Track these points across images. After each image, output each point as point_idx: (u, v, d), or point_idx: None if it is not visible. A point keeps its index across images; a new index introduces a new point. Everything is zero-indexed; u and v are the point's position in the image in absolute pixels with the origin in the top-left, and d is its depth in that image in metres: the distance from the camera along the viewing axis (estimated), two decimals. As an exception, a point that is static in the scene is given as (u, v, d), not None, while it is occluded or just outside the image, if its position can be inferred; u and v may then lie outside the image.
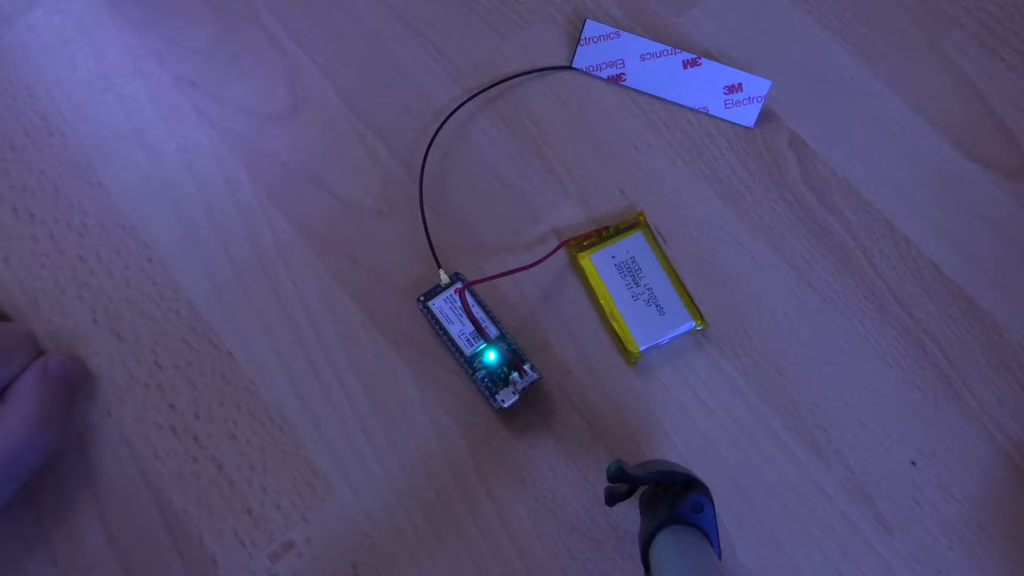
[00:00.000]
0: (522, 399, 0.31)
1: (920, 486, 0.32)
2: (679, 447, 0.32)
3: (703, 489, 0.27)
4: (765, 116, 0.37)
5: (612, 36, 0.38)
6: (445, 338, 0.32)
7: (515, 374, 0.31)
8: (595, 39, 0.38)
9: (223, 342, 0.33)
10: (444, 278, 0.33)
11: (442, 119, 0.36)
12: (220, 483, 0.31)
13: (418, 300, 0.33)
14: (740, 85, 0.37)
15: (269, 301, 0.33)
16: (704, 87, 0.37)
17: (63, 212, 0.34)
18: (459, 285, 0.32)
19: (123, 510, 0.30)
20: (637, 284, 0.33)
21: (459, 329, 0.32)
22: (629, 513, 0.31)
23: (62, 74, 0.37)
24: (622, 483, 0.26)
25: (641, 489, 0.28)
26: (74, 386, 0.31)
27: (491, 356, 0.31)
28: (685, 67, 0.37)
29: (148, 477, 0.31)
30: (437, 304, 0.32)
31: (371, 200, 0.35)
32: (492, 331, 0.32)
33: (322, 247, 0.34)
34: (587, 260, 0.34)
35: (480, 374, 0.31)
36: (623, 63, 0.38)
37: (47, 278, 0.33)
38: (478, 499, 0.31)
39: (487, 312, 0.32)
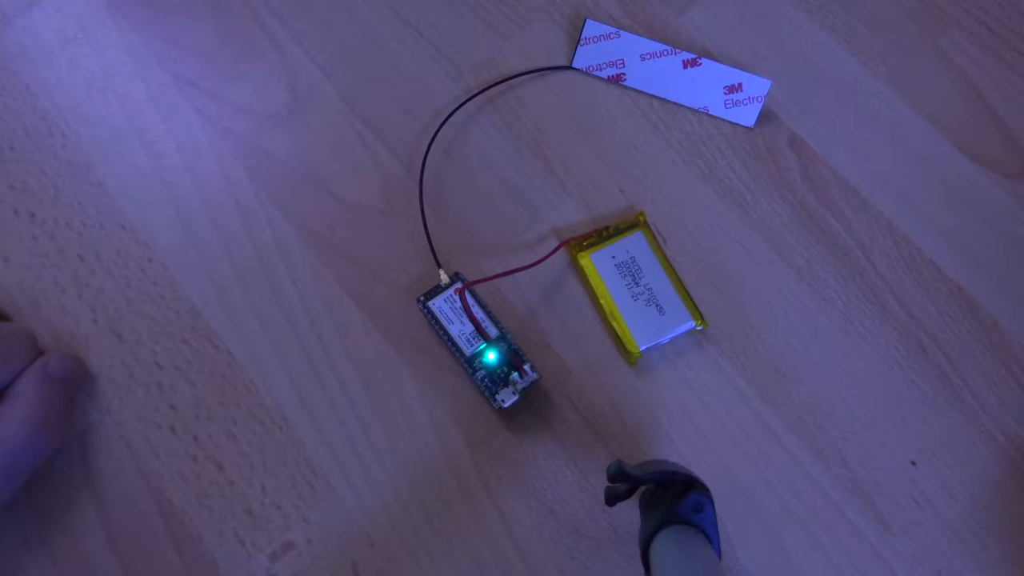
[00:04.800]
0: (522, 399, 0.31)
1: (920, 486, 0.32)
2: (679, 447, 0.32)
3: (703, 489, 0.27)
4: (765, 116, 0.37)
5: (612, 36, 0.38)
6: (445, 338, 0.32)
7: (515, 374, 0.31)
8: (595, 39, 0.38)
9: (223, 342, 0.33)
10: (444, 278, 0.33)
11: (442, 119, 0.36)
12: (220, 483, 0.31)
13: (418, 300, 0.33)
14: (740, 85, 0.37)
15: (269, 301, 0.33)
16: (704, 87, 0.37)
17: (63, 212, 0.34)
18: (459, 285, 0.32)
19: (123, 510, 0.30)
20: (637, 284, 0.33)
21: (459, 329, 0.32)
22: (629, 513, 0.31)
23: (62, 74, 0.37)
24: (622, 483, 0.26)
25: (641, 489, 0.28)
26: (74, 386, 0.31)
27: (491, 356, 0.31)
28: (685, 67, 0.37)
29: (148, 477, 0.31)
30: (437, 304, 0.32)
31: (371, 200, 0.35)
32: (492, 331, 0.32)
33: (322, 247, 0.34)
34: (587, 260, 0.34)
35: (480, 374, 0.31)
36: (623, 63, 0.38)
37: (47, 278, 0.33)
38: (478, 499, 0.31)
39: (487, 312, 0.32)
